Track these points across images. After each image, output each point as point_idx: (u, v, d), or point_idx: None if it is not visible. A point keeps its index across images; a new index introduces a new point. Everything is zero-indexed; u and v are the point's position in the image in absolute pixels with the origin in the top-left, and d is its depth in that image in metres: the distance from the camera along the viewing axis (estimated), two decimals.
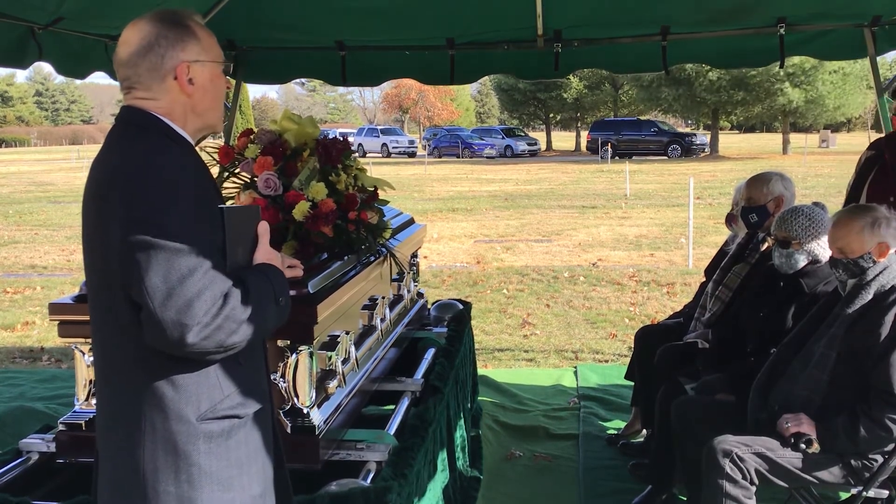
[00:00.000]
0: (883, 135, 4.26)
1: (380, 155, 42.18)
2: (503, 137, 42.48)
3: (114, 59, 1.74)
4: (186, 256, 1.54)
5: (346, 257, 2.81)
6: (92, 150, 39.07)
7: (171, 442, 1.62)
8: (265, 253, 1.75)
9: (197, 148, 1.86)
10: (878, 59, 4.63)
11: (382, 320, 3.26)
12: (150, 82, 1.69)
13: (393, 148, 42.90)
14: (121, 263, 1.56)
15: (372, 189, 3.10)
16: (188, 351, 1.54)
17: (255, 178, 2.70)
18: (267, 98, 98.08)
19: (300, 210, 2.62)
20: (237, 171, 2.81)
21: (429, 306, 4.41)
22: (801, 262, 3.32)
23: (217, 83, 1.76)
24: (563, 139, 58.74)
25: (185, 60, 1.69)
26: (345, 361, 2.69)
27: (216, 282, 1.55)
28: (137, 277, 1.53)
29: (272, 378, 2.32)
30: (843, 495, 3.25)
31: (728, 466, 2.78)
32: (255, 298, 1.61)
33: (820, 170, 26.14)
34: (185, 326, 1.51)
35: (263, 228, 1.76)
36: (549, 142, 51.23)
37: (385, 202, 3.27)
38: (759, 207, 3.77)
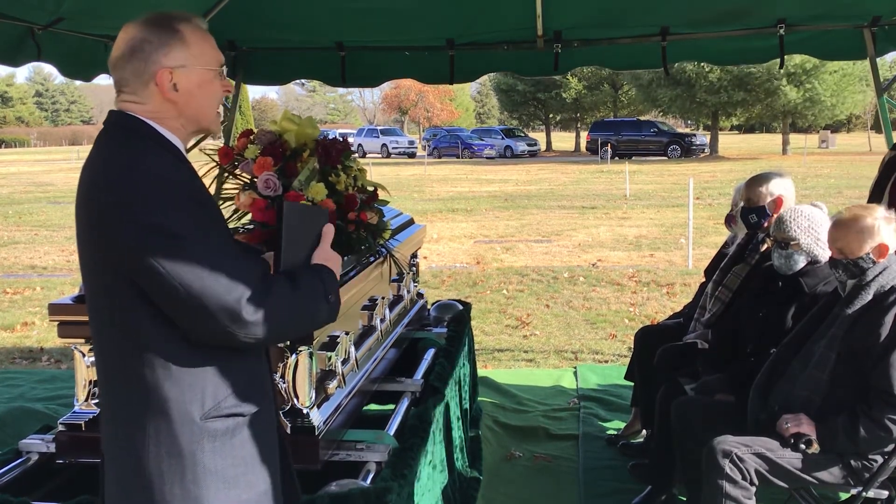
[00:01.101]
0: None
1: (380, 155, 42.18)
2: (503, 138, 42.49)
3: (108, 61, 1.74)
4: (204, 248, 1.55)
5: (345, 258, 2.81)
6: None
7: (175, 442, 1.62)
8: (323, 254, 1.77)
9: (197, 149, 1.85)
10: (878, 59, 4.64)
11: (382, 321, 3.26)
12: (136, 86, 1.68)
13: (393, 148, 42.90)
14: (136, 270, 1.55)
15: (372, 189, 3.10)
16: (244, 334, 1.55)
17: (255, 179, 2.70)
18: (267, 99, 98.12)
19: None
20: (237, 171, 2.81)
21: (428, 307, 4.41)
22: (801, 262, 3.32)
23: (207, 89, 1.72)
24: (563, 139, 58.74)
25: (167, 66, 1.66)
26: (344, 362, 2.69)
27: (244, 267, 1.58)
28: (164, 281, 1.53)
29: (273, 375, 2.32)
30: (843, 496, 3.25)
31: (728, 467, 2.78)
32: (303, 291, 1.64)
33: (820, 170, 26.15)
34: (233, 311, 1.53)
35: (328, 230, 1.78)
36: (548, 142, 51.23)
37: (385, 202, 3.27)
38: (758, 208, 3.77)
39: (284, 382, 2.35)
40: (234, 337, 1.56)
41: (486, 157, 40.18)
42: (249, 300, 1.54)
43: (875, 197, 4.09)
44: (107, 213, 1.57)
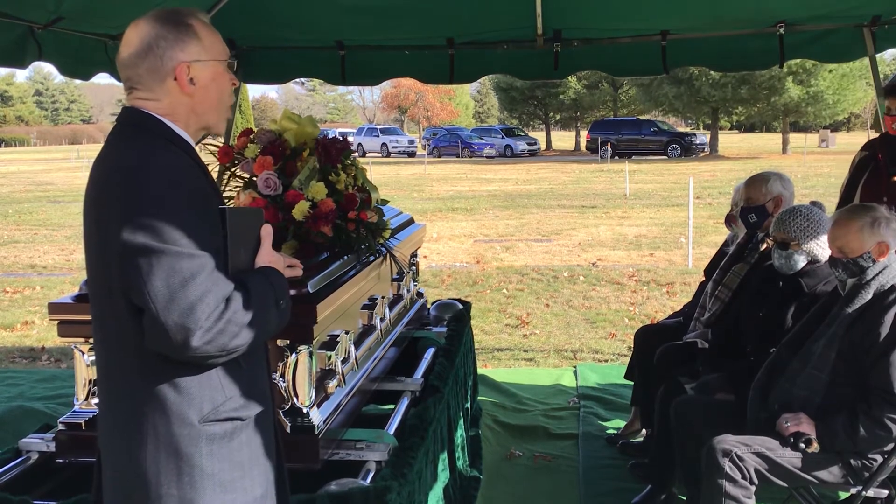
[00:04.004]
0: (877, 135, 4.27)
1: (379, 155, 42.16)
2: (503, 137, 42.46)
3: (116, 60, 1.74)
4: (187, 260, 1.53)
5: (345, 257, 2.81)
6: (91, 150, 39.07)
7: (172, 444, 1.62)
8: (267, 255, 1.75)
9: (197, 147, 1.85)
10: (878, 56, 4.63)
11: (382, 320, 3.26)
12: (151, 83, 1.68)
13: (392, 147, 42.89)
14: (120, 267, 1.55)
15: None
16: (191, 355, 1.54)
17: (255, 178, 2.70)
18: (267, 98, 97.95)
19: (300, 210, 2.62)
20: (237, 170, 2.81)
21: (428, 306, 4.41)
22: (801, 262, 3.31)
23: (220, 82, 1.75)
24: (563, 139, 58.69)
25: (185, 61, 1.67)
26: (344, 361, 2.69)
27: (218, 285, 1.55)
28: (138, 282, 1.53)
29: (272, 378, 2.32)
30: (843, 495, 3.25)
31: (728, 466, 2.78)
32: (256, 302, 1.60)
33: (820, 169, 26.14)
34: (188, 330, 1.50)
35: (266, 231, 1.76)
36: (548, 141, 51.20)
37: (385, 202, 3.28)
38: (758, 207, 3.77)
39: (284, 381, 2.35)
40: (179, 355, 1.55)
41: (486, 157, 40.16)
42: (204, 328, 1.51)
43: (846, 198, 4.08)
44: (112, 210, 1.57)
